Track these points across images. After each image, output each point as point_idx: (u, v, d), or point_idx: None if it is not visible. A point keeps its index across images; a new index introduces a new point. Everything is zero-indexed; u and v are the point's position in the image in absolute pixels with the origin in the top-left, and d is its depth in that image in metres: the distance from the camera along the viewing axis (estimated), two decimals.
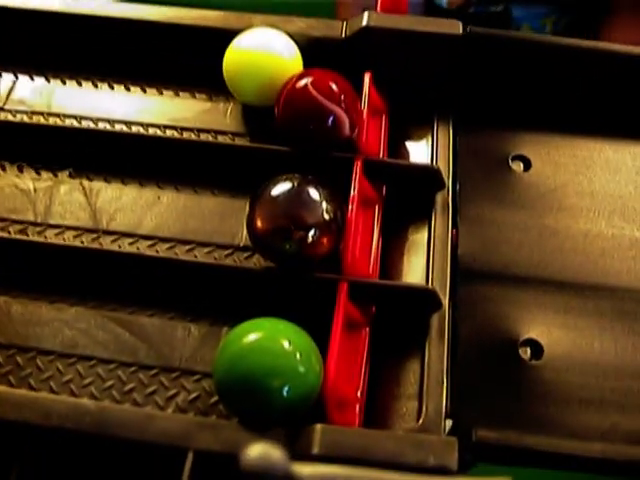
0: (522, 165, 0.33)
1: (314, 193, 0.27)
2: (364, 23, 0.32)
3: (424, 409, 0.25)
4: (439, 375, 0.26)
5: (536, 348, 0.28)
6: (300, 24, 0.33)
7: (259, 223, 0.27)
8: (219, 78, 0.32)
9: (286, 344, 0.24)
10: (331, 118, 0.29)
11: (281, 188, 0.27)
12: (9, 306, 0.28)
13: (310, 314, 0.26)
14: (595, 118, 0.34)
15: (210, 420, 0.24)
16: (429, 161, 0.31)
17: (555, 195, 0.32)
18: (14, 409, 0.23)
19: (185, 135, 0.32)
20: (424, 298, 0.27)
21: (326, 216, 0.27)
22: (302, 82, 0.30)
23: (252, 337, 0.24)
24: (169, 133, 0.32)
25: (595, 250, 0.31)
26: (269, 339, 0.24)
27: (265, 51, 0.32)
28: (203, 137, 0.32)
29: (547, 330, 0.29)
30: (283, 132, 0.30)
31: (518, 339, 0.28)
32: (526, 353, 0.28)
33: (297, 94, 0.30)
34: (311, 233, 0.26)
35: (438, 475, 0.21)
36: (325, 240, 0.27)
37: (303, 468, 0.18)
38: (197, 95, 0.34)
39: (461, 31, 0.32)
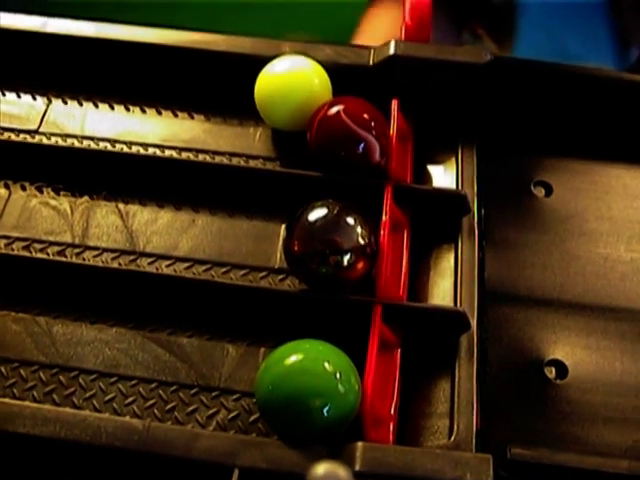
0: (544, 191, 0.34)
1: (349, 219, 0.28)
2: (391, 52, 0.33)
3: (455, 427, 0.26)
4: (469, 394, 0.27)
5: (561, 368, 0.29)
6: (329, 51, 0.34)
7: (296, 247, 0.28)
8: (248, 103, 0.33)
9: (326, 365, 0.25)
10: (362, 145, 0.30)
11: (318, 213, 0.28)
12: (50, 327, 0.29)
13: (345, 335, 0.27)
14: (614, 145, 0.35)
15: (254, 438, 0.25)
16: (454, 186, 0.32)
17: (576, 220, 0.33)
18: (64, 427, 0.24)
19: (217, 159, 0.33)
20: (453, 319, 0.28)
21: (361, 241, 0.28)
22: (334, 109, 0.31)
23: (294, 358, 0.25)
24: (202, 157, 0.33)
25: (615, 274, 0.32)
26: (310, 360, 0.25)
27: (296, 77, 0.33)
28: (235, 161, 0.33)
29: (571, 351, 0.30)
30: (315, 158, 0.31)
31: (543, 359, 0.29)
32: (551, 373, 0.29)
33: (330, 121, 0.30)
34: (346, 257, 0.27)
35: None
36: (360, 264, 0.28)
37: None
38: (228, 120, 0.35)
39: (486, 59, 0.33)
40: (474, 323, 0.28)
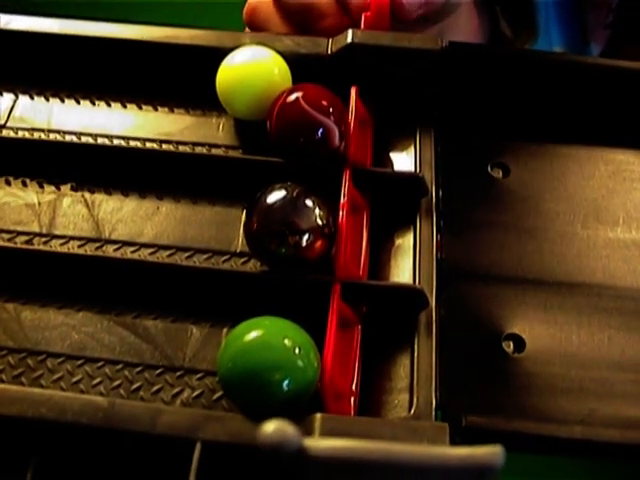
0: (501, 172, 0.35)
1: (307, 200, 0.29)
2: (349, 40, 0.34)
3: (415, 400, 0.27)
4: (428, 369, 0.28)
5: (518, 342, 0.30)
6: (288, 42, 0.35)
7: (256, 228, 0.28)
8: (211, 94, 0.34)
9: (286, 340, 0.26)
10: (321, 130, 0.31)
11: (276, 196, 0.29)
12: (19, 312, 0.29)
13: (305, 314, 0.27)
14: (570, 128, 0.36)
15: (216, 413, 0.26)
16: (413, 169, 0.33)
17: (533, 200, 0.34)
18: (31, 407, 0.25)
19: (181, 149, 0.34)
20: (412, 297, 0.29)
21: (319, 222, 0.28)
22: (293, 96, 0.31)
23: (254, 334, 0.26)
24: (165, 147, 0.34)
25: (572, 250, 0.33)
26: (270, 335, 0.26)
27: (255, 67, 0.33)
28: (198, 150, 0.34)
29: (528, 325, 0.30)
30: (276, 144, 0.32)
31: (501, 334, 0.30)
32: (509, 347, 0.30)
33: (288, 108, 0.31)
34: (305, 238, 0.28)
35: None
36: (318, 244, 0.28)
37: (314, 442, 0.20)
38: (191, 111, 0.35)
39: (440, 46, 0.34)
40: (432, 300, 0.29)
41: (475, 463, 0.19)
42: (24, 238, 0.31)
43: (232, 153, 0.34)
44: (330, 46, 0.35)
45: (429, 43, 0.34)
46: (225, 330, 0.29)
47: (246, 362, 0.25)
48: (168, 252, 0.31)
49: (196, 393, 0.28)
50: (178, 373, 0.28)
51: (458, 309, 0.30)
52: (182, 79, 0.36)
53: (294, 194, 0.29)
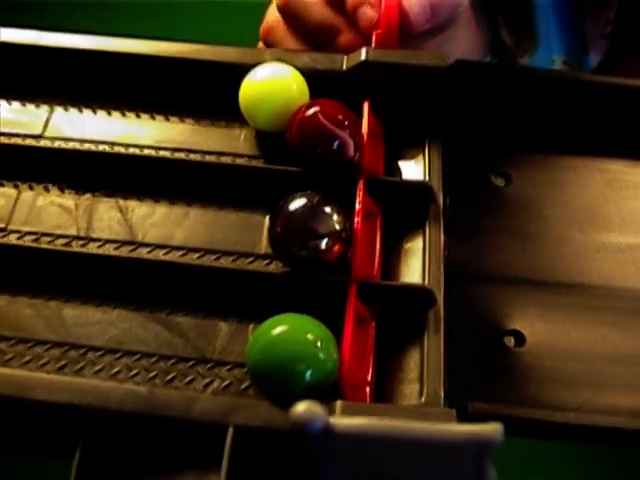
0: (504, 181, 0.37)
1: (326, 207, 0.31)
2: (362, 57, 0.37)
3: (425, 390, 0.30)
4: (436, 362, 0.30)
5: (519, 337, 0.33)
6: (305, 59, 0.37)
7: (279, 234, 0.31)
8: (234, 108, 0.37)
9: (308, 335, 0.28)
10: (337, 142, 0.34)
11: (297, 204, 0.31)
12: (60, 310, 0.32)
13: (325, 311, 0.30)
14: (568, 139, 0.38)
15: (247, 400, 0.28)
16: (422, 178, 0.36)
17: (533, 207, 0.37)
18: (78, 395, 0.27)
19: (207, 158, 0.36)
20: (421, 296, 0.32)
21: (336, 227, 0.31)
22: (311, 111, 0.34)
23: (279, 329, 0.28)
24: (193, 157, 0.36)
25: (569, 254, 0.36)
26: (294, 330, 0.28)
27: (275, 83, 0.36)
28: (223, 160, 0.36)
29: (529, 322, 0.33)
30: (295, 155, 0.34)
31: (503, 330, 0.33)
32: (510, 342, 0.33)
33: (307, 121, 0.34)
34: (324, 241, 0.31)
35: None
36: (336, 248, 0.31)
37: (339, 419, 0.22)
38: (215, 123, 0.38)
39: (448, 63, 0.36)
40: (440, 299, 0.32)
41: (478, 437, 0.22)
42: (63, 241, 0.34)
43: (254, 162, 0.36)
44: (345, 63, 0.37)
45: (436, 60, 0.37)
46: (251, 326, 0.32)
47: (273, 354, 0.28)
48: (197, 254, 0.33)
49: (225, 383, 0.30)
50: (209, 365, 0.31)
51: (463, 307, 0.33)
52: (207, 93, 0.38)
53: (313, 202, 0.31)
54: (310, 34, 0.43)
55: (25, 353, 0.31)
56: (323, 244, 0.31)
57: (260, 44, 0.48)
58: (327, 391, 0.29)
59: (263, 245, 0.34)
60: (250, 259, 0.33)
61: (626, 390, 0.32)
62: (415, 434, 0.23)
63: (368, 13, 0.41)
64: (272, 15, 0.46)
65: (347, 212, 0.32)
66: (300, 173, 0.34)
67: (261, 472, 0.28)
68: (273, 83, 0.36)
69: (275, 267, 0.33)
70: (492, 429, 0.22)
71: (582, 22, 0.73)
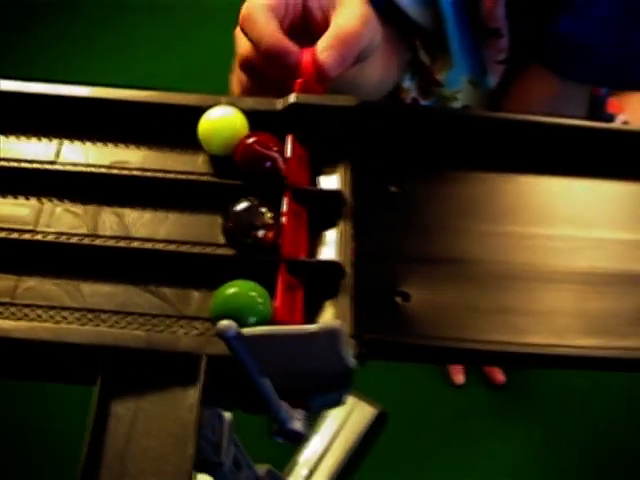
0: (398, 188, 0.51)
1: (261, 208, 0.45)
2: (291, 100, 0.50)
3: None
4: (346, 314, 0.44)
5: (405, 296, 0.46)
6: (250, 102, 0.51)
7: (230, 227, 0.45)
8: (194, 138, 0.50)
9: (252, 292, 0.42)
10: (268, 163, 0.47)
11: (242, 206, 0.45)
12: (78, 285, 0.45)
13: (264, 281, 0.43)
14: (448, 156, 0.52)
15: (213, 339, 0.41)
16: (337, 187, 0.49)
17: (422, 206, 0.51)
18: (98, 338, 0.40)
19: (179, 176, 0.49)
20: (334, 268, 0.45)
21: (270, 221, 0.45)
22: (250, 140, 0.48)
23: (232, 289, 0.42)
24: (168, 175, 0.49)
25: (449, 238, 0.49)
26: (242, 289, 0.42)
27: (225, 120, 0.49)
28: (189, 177, 0.49)
29: (414, 286, 0.47)
30: (240, 172, 0.48)
31: (395, 291, 0.46)
32: (399, 300, 0.46)
33: (247, 148, 0.48)
34: (261, 232, 0.44)
35: None
36: (270, 235, 0.45)
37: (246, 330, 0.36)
38: (182, 150, 0.51)
39: (355, 103, 0.50)
40: (349, 271, 0.45)
41: (326, 327, 0.36)
42: (76, 238, 0.47)
43: (211, 178, 0.50)
44: (282, 104, 0.51)
45: (347, 102, 0.50)
46: (215, 292, 0.45)
47: (229, 305, 0.41)
48: (175, 245, 0.46)
49: (199, 331, 0.43)
50: (187, 320, 0.44)
51: (366, 277, 0.46)
52: (175, 128, 0.51)
53: (253, 204, 0.45)
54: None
55: (55, 316, 0.44)
56: (260, 233, 0.44)
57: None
58: None
59: (220, 237, 0.47)
60: (212, 247, 0.47)
61: (481, 330, 0.46)
62: (290, 331, 0.37)
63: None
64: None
65: (278, 212, 0.46)
66: (243, 185, 0.48)
67: (224, 387, 0.41)
68: (222, 120, 0.49)
69: (229, 251, 0.46)
70: (335, 322, 0.37)
71: (480, 49, 0.87)
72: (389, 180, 0.51)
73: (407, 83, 0.92)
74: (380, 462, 1.06)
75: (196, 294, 0.45)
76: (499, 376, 1.11)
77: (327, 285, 0.45)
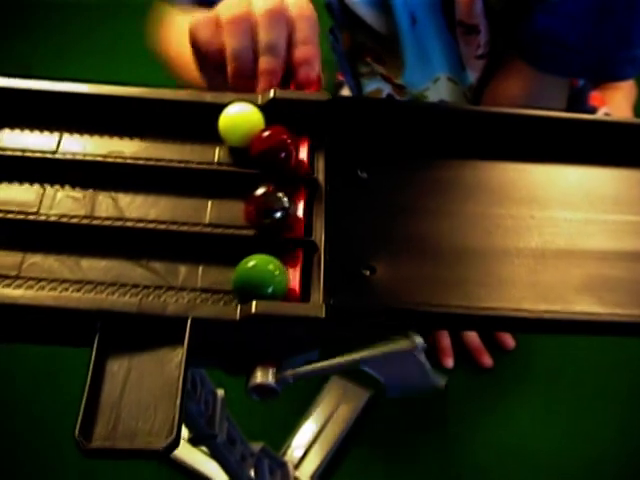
0: (366, 174, 0.56)
1: (278, 193, 0.51)
2: (271, 96, 0.55)
3: (311, 299, 0.48)
4: (318, 283, 0.49)
5: (372, 269, 0.51)
6: (232, 97, 0.56)
7: (251, 209, 0.50)
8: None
9: (270, 266, 0.47)
10: (284, 154, 0.53)
11: (261, 191, 0.51)
12: (77, 261, 0.50)
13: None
14: (413, 145, 0.58)
15: (198, 304, 0.46)
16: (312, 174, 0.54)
17: (387, 190, 0.56)
18: (96, 304, 0.46)
19: (168, 164, 0.55)
20: (310, 245, 0.50)
21: (286, 205, 0.50)
22: (266, 133, 0.53)
23: (252, 262, 0.47)
24: (159, 164, 0.55)
25: (415, 220, 0.54)
26: (262, 262, 0.47)
27: (245, 115, 0.55)
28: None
29: (381, 261, 0.52)
30: (257, 162, 0.53)
31: (363, 265, 0.51)
32: (367, 272, 0.51)
33: (266, 140, 0.53)
34: (279, 214, 0.50)
35: None
36: (287, 219, 0.50)
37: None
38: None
39: (326, 97, 0.55)
40: (322, 248, 0.50)
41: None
42: (76, 219, 0.52)
43: (196, 166, 0.55)
44: (260, 99, 0.56)
45: (321, 96, 0.56)
46: (200, 267, 0.50)
47: (250, 277, 0.47)
48: (164, 225, 0.52)
49: (186, 300, 0.48)
50: (175, 290, 0.49)
51: (337, 252, 0.52)
52: (162, 120, 0.56)
53: (271, 189, 0.51)
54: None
55: (57, 287, 0.49)
56: (278, 215, 0.50)
57: None
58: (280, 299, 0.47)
59: (204, 217, 0.52)
60: (199, 226, 0.52)
61: (440, 297, 0.50)
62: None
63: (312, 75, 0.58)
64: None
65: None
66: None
67: (208, 349, 0.47)
68: (242, 116, 0.55)
69: (213, 230, 0.51)
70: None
71: (459, 46, 0.92)
72: (359, 167, 0.57)
73: (381, 85, 0.98)
74: (372, 444, 1.11)
75: (183, 268, 0.50)
76: (487, 360, 1.16)
77: (308, 257, 0.50)
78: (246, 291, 0.47)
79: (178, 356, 0.45)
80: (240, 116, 0.54)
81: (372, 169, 0.57)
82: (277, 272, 0.47)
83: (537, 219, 0.56)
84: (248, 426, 0.89)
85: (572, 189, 0.58)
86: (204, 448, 0.81)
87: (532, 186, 0.58)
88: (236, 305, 0.46)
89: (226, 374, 0.50)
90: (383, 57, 0.96)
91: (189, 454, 1.03)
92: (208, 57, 0.59)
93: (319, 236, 0.51)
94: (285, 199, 0.50)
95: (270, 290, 0.46)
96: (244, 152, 0.54)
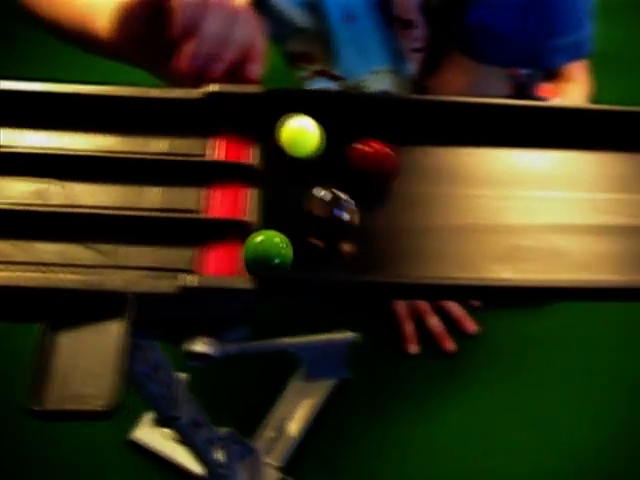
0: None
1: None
2: (211, 90, 0.60)
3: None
4: None
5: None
6: (177, 92, 0.60)
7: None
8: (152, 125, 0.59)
9: (277, 239, 0.52)
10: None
11: (319, 192, 0.55)
12: (33, 244, 0.54)
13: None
14: (345, 131, 0.62)
15: (140, 280, 0.51)
16: (250, 161, 0.59)
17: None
18: (50, 282, 0.50)
19: (126, 156, 0.59)
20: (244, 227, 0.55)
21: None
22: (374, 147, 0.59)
23: (260, 237, 0.51)
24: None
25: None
26: (269, 236, 0.52)
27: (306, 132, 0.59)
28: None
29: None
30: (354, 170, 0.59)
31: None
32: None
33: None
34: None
35: None
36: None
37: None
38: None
39: (262, 91, 0.59)
40: (258, 227, 0.55)
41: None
42: (30, 207, 0.56)
43: (147, 157, 0.59)
44: (201, 93, 0.60)
45: (257, 89, 0.60)
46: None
47: (259, 249, 0.51)
48: (112, 210, 0.56)
49: (129, 277, 0.52)
50: (119, 269, 0.53)
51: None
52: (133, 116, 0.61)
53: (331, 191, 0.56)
54: None
55: (13, 269, 0.53)
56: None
57: None
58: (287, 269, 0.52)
59: (146, 202, 0.57)
60: (140, 211, 0.55)
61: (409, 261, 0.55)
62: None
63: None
64: None
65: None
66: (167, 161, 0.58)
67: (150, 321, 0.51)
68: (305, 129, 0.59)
69: (152, 213, 0.56)
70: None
71: (397, 40, 0.97)
72: None
73: (323, 83, 1.03)
74: (341, 426, 1.15)
75: (126, 249, 0.54)
76: (450, 345, 1.19)
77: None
78: (256, 263, 0.51)
79: (121, 327, 0.49)
80: (308, 131, 0.59)
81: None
82: (283, 245, 0.51)
83: (511, 198, 0.60)
84: (218, 415, 0.92)
85: (543, 170, 0.63)
86: None
87: (504, 169, 0.63)
88: (173, 281, 0.50)
89: (168, 344, 0.54)
90: (314, 56, 1.01)
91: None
92: (175, 23, 0.62)
93: (253, 217, 0.55)
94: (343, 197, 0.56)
95: (277, 261, 0.51)
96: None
